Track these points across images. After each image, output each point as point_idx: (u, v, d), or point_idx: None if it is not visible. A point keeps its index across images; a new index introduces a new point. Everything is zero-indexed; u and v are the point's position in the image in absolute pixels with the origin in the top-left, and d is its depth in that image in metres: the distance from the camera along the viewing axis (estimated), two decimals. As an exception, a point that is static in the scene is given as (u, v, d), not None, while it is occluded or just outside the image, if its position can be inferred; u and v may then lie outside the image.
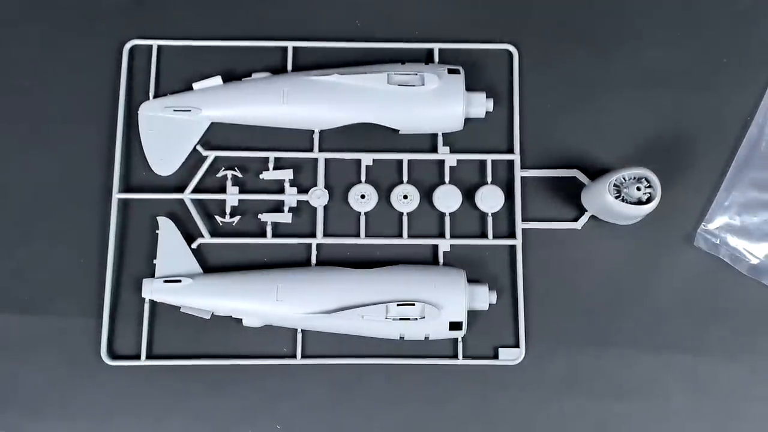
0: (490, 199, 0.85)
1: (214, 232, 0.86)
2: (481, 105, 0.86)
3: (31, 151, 0.87)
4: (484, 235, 0.86)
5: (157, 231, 0.85)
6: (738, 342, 0.84)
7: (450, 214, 0.86)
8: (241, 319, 0.82)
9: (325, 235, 0.86)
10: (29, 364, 0.83)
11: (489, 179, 0.86)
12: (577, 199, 0.86)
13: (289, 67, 0.88)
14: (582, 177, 0.86)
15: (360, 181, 0.86)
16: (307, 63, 0.89)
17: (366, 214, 0.86)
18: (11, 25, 0.89)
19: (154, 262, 0.84)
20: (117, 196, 0.85)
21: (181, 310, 0.83)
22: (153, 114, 0.86)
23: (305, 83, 0.85)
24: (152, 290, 0.82)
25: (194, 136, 0.86)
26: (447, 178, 0.86)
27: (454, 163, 0.87)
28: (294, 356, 0.83)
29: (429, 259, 0.86)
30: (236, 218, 0.85)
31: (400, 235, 0.86)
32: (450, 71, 0.85)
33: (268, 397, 0.83)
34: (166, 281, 0.82)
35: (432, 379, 0.83)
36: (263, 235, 0.85)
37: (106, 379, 0.83)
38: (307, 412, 0.83)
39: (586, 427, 0.83)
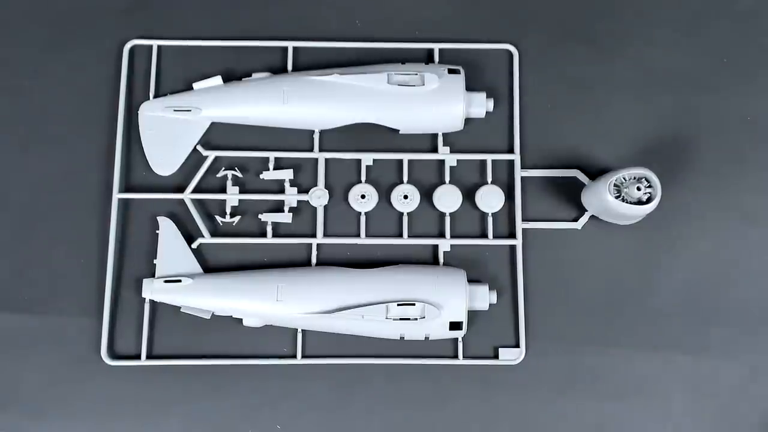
0: (490, 199, 0.85)
1: (215, 232, 0.86)
2: (481, 105, 0.86)
3: (31, 151, 0.87)
4: (484, 235, 0.86)
5: (157, 231, 0.85)
6: (738, 342, 0.84)
7: (450, 214, 0.86)
8: (242, 319, 0.82)
9: (326, 235, 0.86)
10: (29, 364, 0.83)
11: (489, 179, 0.86)
12: (577, 199, 0.86)
13: (289, 67, 0.88)
14: (582, 177, 0.86)
15: (360, 181, 0.86)
16: (307, 63, 0.89)
17: (366, 214, 0.86)
18: (12, 26, 0.89)
19: (155, 262, 0.84)
20: (117, 196, 0.85)
21: (181, 310, 0.83)
22: (153, 114, 0.86)
23: (305, 83, 0.85)
24: (152, 290, 0.82)
25: (194, 136, 0.86)
26: (447, 178, 0.86)
27: (454, 163, 0.87)
28: (294, 356, 0.83)
29: (429, 259, 0.86)
30: (236, 218, 0.85)
31: (401, 235, 0.86)
32: (450, 71, 0.85)
33: (268, 397, 0.83)
34: (166, 281, 0.82)
35: (432, 379, 0.83)
36: (263, 235, 0.85)
37: (106, 379, 0.83)
38: (307, 412, 0.83)
39: (586, 427, 0.83)
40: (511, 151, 0.87)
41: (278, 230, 0.86)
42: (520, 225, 0.86)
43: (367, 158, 0.87)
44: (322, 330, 0.82)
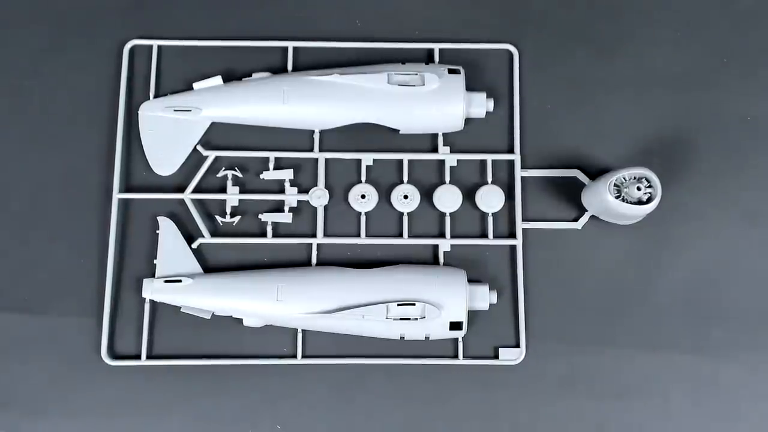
0: (490, 199, 0.85)
1: (215, 232, 0.86)
2: (481, 105, 0.86)
3: (31, 151, 0.87)
4: (484, 235, 0.86)
5: (157, 231, 0.85)
6: (738, 342, 0.84)
7: (450, 214, 0.86)
8: (242, 319, 0.82)
9: (326, 235, 0.86)
10: (29, 364, 0.83)
11: (489, 179, 0.86)
12: (577, 199, 0.86)
13: (289, 67, 0.88)
14: (582, 177, 0.86)
15: (360, 181, 0.86)
16: (307, 63, 0.89)
17: (366, 214, 0.86)
18: (12, 26, 0.89)
19: (155, 262, 0.84)
20: (117, 196, 0.85)
21: (181, 310, 0.83)
22: (153, 114, 0.86)
23: (305, 83, 0.85)
24: (153, 290, 0.82)
25: (194, 136, 0.86)
26: (447, 178, 0.86)
27: (455, 163, 0.87)
28: (294, 356, 0.83)
29: (429, 259, 0.86)
30: (236, 218, 0.85)
31: (401, 235, 0.86)
32: (450, 71, 0.85)
33: (268, 397, 0.83)
34: (166, 281, 0.82)
35: (432, 379, 0.83)
36: (263, 235, 0.85)
37: (106, 379, 0.83)
38: (307, 412, 0.83)
39: (586, 427, 0.83)
40: (511, 151, 0.87)
41: (278, 230, 0.86)
42: (520, 225, 0.86)
43: (367, 158, 0.87)
44: (322, 330, 0.82)
